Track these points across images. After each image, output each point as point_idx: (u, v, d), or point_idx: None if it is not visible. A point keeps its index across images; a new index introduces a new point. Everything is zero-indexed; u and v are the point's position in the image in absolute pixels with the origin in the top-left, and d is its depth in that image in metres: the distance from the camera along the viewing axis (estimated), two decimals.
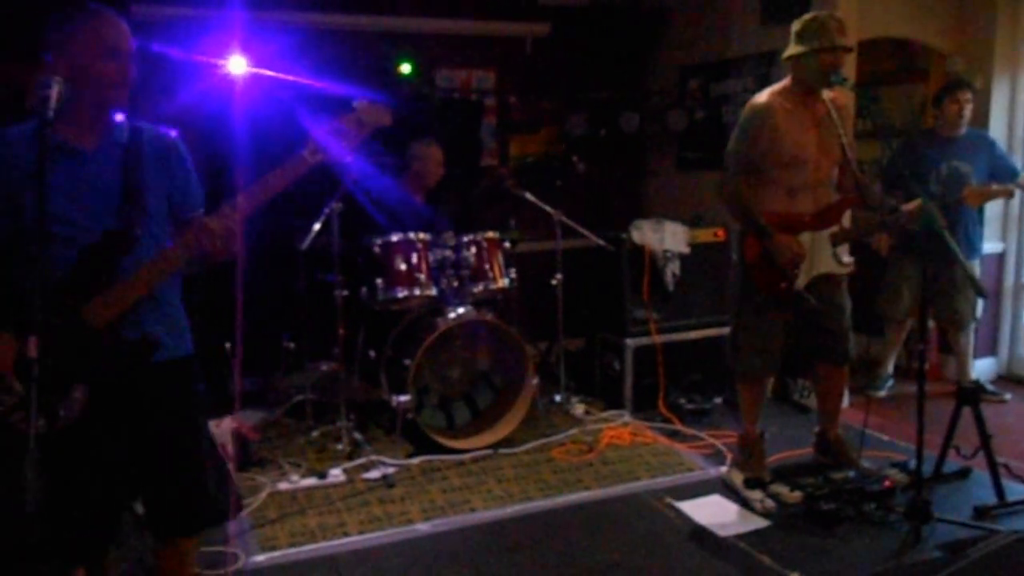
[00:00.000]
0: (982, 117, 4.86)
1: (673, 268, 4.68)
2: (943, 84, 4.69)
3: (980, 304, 4.61)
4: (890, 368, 4.93)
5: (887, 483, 3.30)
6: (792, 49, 3.35)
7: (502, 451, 4.05)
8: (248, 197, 2.21)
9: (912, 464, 3.34)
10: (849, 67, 4.23)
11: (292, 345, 4.51)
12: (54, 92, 1.95)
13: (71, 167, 2.13)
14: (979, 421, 3.30)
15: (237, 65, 3.88)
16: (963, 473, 3.55)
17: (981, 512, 3.21)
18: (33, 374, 1.75)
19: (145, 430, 2.26)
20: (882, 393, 4.83)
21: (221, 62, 3.76)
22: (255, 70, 3.83)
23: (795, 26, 3.36)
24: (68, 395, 2.06)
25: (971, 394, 3.34)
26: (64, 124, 2.09)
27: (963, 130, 4.48)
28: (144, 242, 2.20)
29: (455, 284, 4.24)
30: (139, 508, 3.01)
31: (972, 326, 4.64)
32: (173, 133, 2.36)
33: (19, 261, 2.15)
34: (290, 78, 3.97)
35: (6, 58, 4.42)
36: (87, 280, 2.13)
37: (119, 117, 2.25)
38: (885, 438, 4.09)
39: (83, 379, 2.08)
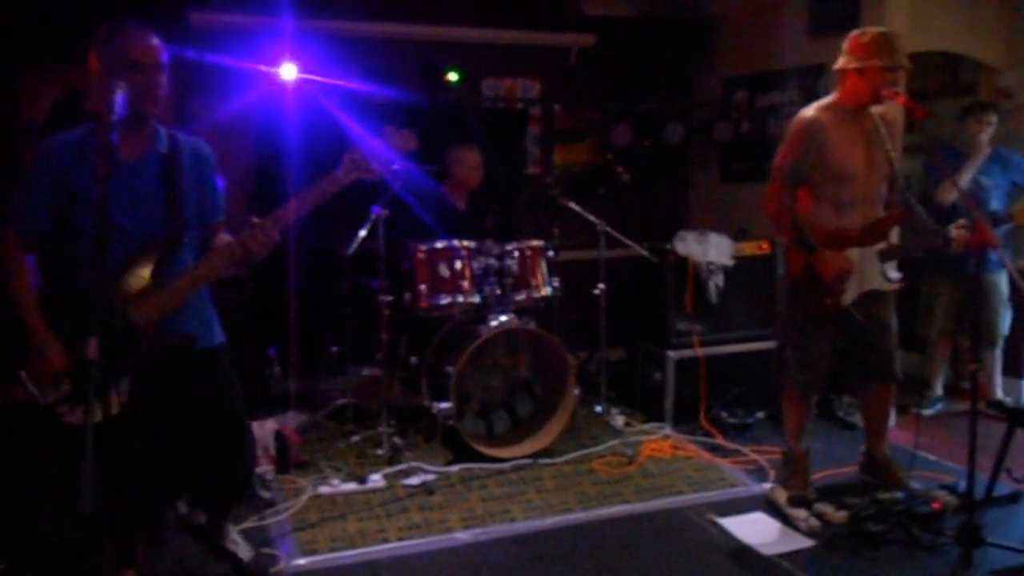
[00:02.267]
0: None
1: (717, 280, 4.64)
2: (971, 102, 4.69)
3: (1008, 321, 4.60)
4: (939, 388, 4.85)
5: (936, 505, 3.22)
6: (843, 63, 3.31)
7: (542, 461, 4.04)
8: (289, 210, 2.43)
9: (961, 486, 3.27)
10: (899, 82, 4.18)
11: (336, 349, 4.55)
12: (119, 97, 2.06)
13: (115, 175, 2.24)
14: None
15: (289, 72, 3.96)
16: (1014, 497, 3.47)
17: None
18: (93, 374, 1.81)
19: (185, 413, 2.47)
20: (929, 412, 4.73)
21: (274, 68, 3.83)
22: (306, 76, 3.90)
23: (847, 41, 3.32)
24: (115, 388, 2.19)
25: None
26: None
27: (985, 149, 4.48)
28: (185, 247, 2.40)
29: (498, 292, 4.24)
30: (182, 508, 3.07)
31: (1000, 343, 4.63)
32: (206, 144, 2.56)
33: (67, 263, 2.28)
34: (339, 83, 4.04)
35: (57, 60, 4.53)
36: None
37: (160, 128, 2.40)
38: (932, 458, 4.00)
39: (128, 373, 2.22)
